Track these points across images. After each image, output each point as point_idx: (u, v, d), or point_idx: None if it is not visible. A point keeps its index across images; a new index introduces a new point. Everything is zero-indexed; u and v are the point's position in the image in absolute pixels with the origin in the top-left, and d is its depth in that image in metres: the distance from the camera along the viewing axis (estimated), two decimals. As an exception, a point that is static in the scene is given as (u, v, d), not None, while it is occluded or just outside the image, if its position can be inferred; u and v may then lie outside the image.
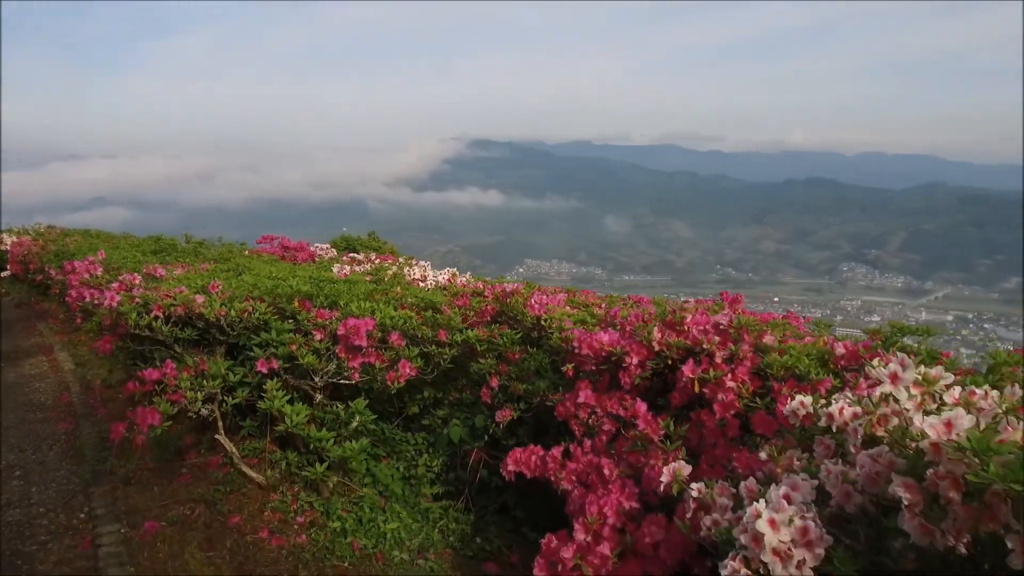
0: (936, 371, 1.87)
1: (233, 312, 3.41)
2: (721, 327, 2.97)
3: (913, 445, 1.61)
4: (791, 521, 1.77)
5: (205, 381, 3.19)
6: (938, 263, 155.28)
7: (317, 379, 3.38)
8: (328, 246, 10.57)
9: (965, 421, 1.62)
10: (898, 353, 2.15)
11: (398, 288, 4.44)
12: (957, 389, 1.85)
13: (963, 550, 1.60)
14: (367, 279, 4.82)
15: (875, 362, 1.76)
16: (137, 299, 3.53)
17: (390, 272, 5.30)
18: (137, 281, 3.89)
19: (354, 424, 3.46)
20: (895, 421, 1.72)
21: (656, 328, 3.07)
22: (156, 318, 3.44)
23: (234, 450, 3.46)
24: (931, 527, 1.57)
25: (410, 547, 3.35)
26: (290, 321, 3.56)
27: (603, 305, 4.80)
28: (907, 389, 1.72)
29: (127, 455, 3.87)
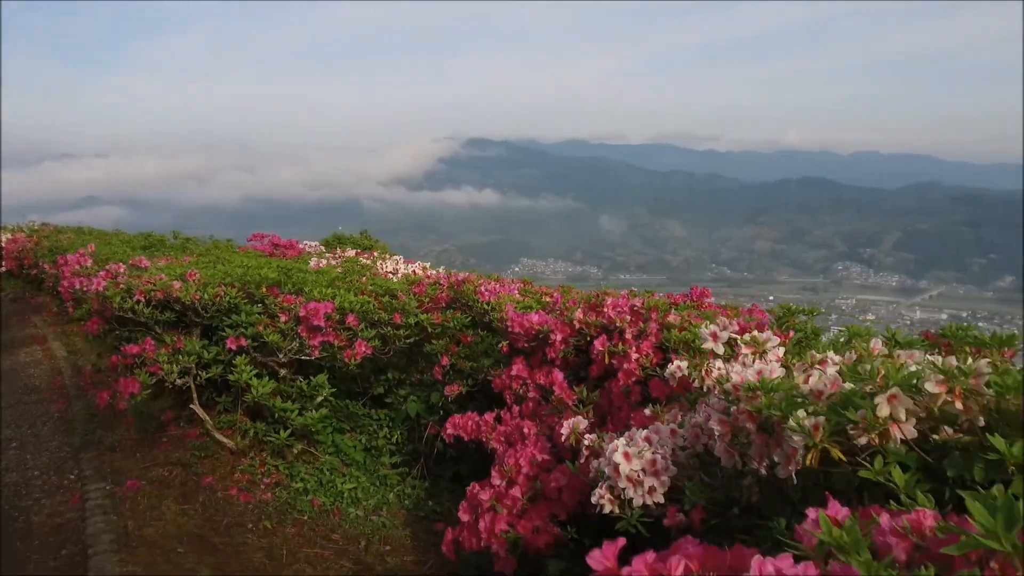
0: (765, 335, 2.29)
1: (207, 296, 3.82)
2: (635, 308, 3.39)
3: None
4: (641, 454, 2.19)
5: (181, 356, 3.60)
6: (932, 262, 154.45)
7: (281, 356, 3.79)
8: (318, 244, 10.89)
9: (776, 371, 2.05)
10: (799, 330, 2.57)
11: (364, 278, 4.84)
12: (781, 349, 2.28)
13: (763, 472, 2.02)
14: (338, 270, 5.22)
15: (703, 325, 2.18)
16: (121, 285, 3.93)
17: (359, 264, 5.71)
18: (122, 270, 4.29)
19: (319, 398, 3.87)
20: (721, 372, 2.14)
21: (579, 309, 3.48)
22: (138, 302, 3.85)
23: (207, 419, 3.87)
24: (732, 451, 1.99)
25: (366, 506, 3.76)
26: (259, 305, 3.97)
27: (554, 294, 5.21)
28: (725, 345, 2.14)
29: (113, 427, 4.27)
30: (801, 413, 1.68)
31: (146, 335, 3.83)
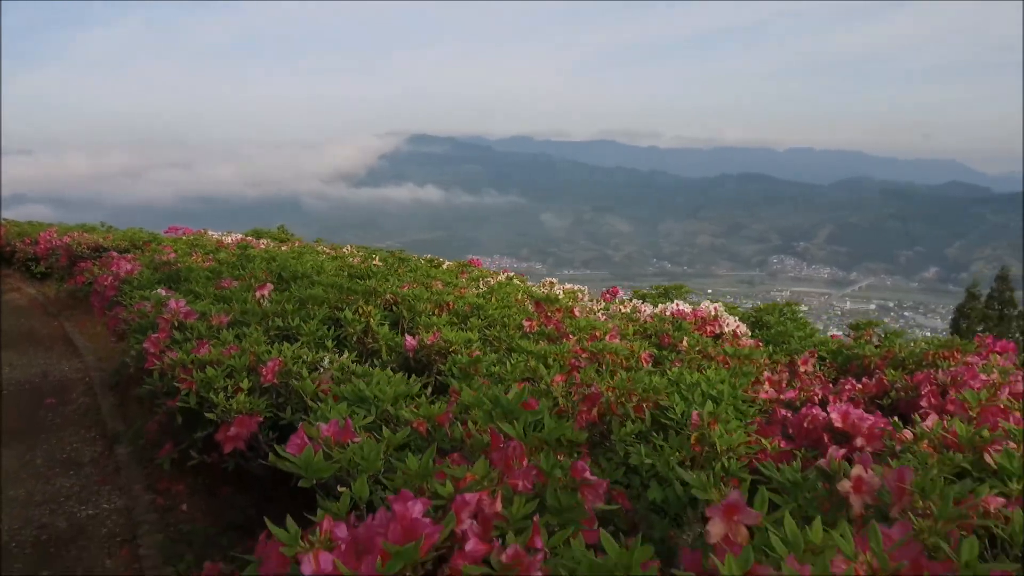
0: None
1: (113, 244, 8.70)
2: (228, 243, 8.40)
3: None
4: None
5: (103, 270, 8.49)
6: (862, 254, 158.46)
7: (148, 270, 8.72)
8: (240, 236, 15.34)
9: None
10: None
11: (199, 242, 9.75)
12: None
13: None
14: (189, 240, 10.13)
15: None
16: (76, 241, 8.78)
17: (204, 239, 10.62)
18: (75, 235, 9.14)
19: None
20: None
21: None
22: (84, 248, 8.70)
23: (116, 299, 8.78)
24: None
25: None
26: (139, 250, 8.87)
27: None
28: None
29: (72, 307, 9.11)
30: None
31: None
